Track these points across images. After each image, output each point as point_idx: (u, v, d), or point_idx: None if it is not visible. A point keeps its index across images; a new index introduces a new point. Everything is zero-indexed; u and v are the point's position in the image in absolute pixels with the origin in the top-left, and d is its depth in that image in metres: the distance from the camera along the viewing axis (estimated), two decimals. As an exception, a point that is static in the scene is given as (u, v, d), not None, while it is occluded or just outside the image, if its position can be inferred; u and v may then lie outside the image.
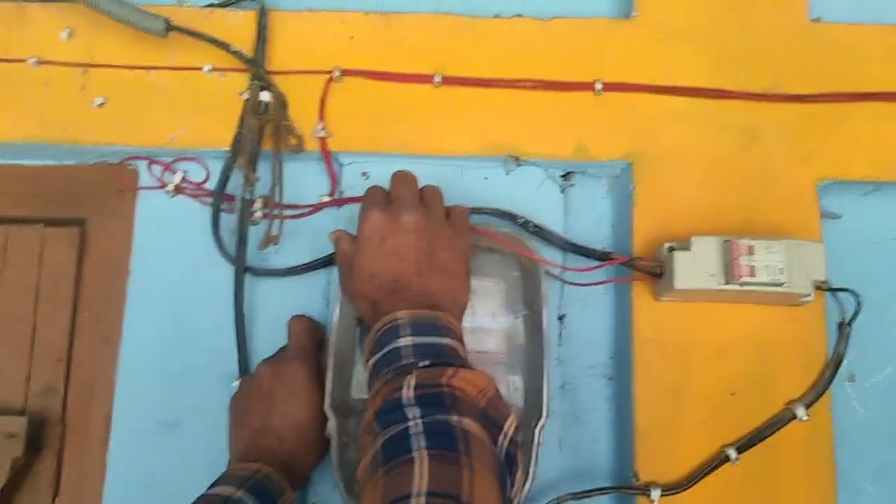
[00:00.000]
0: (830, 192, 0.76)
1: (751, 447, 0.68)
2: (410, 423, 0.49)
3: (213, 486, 0.60)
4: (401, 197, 0.64)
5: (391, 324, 0.57)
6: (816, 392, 0.69)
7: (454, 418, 0.49)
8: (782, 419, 0.69)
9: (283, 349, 0.73)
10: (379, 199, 0.64)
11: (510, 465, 0.50)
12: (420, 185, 0.67)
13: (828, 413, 0.70)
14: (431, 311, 0.58)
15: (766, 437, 0.69)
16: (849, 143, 0.76)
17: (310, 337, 0.72)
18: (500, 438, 0.51)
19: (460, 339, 0.59)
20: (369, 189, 0.66)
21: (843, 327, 0.70)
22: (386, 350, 0.56)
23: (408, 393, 0.51)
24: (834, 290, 0.69)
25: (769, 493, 0.69)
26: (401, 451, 0.47)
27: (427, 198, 0.65)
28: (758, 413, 0.70)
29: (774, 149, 0.75)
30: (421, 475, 0.44)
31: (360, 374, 0.68)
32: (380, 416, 0.51)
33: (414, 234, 0.61)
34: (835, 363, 0.70)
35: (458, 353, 0.56)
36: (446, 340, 0.57)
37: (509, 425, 0.52)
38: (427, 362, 0.54)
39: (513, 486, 0.50)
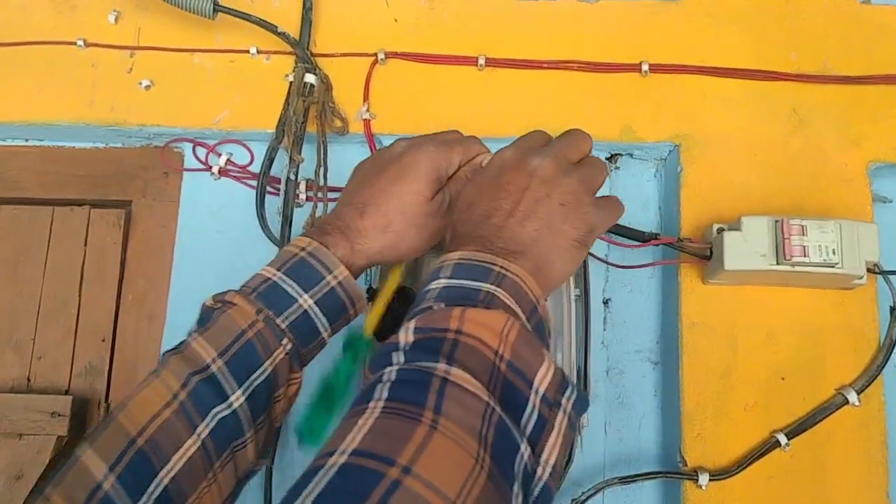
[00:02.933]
0: (878, 176, 0.75)
1: (801, 433, 0.68)
2: (387, 371, 0.41)
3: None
4: (538, 142, 0.56)
5: (440, 265, 0.49)
6: (868, 377, 0.68)
7: (440, 367, 0.39)
8: (833, 404, 0.68)
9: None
10: (525, 141, 0.55)
11: (540, 430, 0.40)
12: None
13: (880, 398, 0.69)
14: (497, 256, 0.48)
15: (817, 423, 0.68)
16: (899, 126, 0.75)
17: (454, 157, 0.60)
18: (531, 396, 0.40)
19: (518, 294, 0.46)
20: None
21: (896, 311, 0.69)
22: (419, 297, 0.48)
23: (405, 337, 0.43)
24: (886, 273, 0.68)
25: (820, 480, 0.67)
26: (360, 401, 0.39)
27: (571, 152, 0.54)
28: (808, 398, 0.69)
29: (823, 131, 0.75)
30: (359, 430, 0.37)
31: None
32: (370, 363, 0.44)
33: (534, 178, 0.51)
34: (887, 348, 0.69)
35: (494, 299, 0.44)
36: (486, 286, 0.45)
37: (541, 379, 0.41)
38: (442, 305, 0.44)
39: (539, 456, 0.40)
